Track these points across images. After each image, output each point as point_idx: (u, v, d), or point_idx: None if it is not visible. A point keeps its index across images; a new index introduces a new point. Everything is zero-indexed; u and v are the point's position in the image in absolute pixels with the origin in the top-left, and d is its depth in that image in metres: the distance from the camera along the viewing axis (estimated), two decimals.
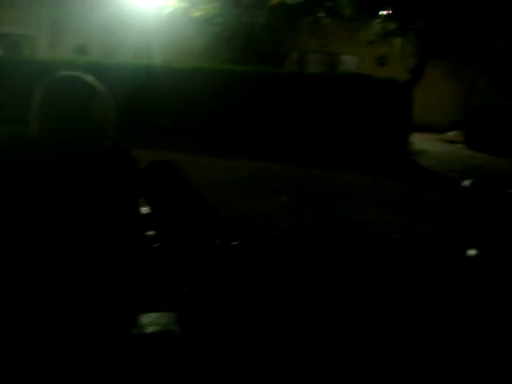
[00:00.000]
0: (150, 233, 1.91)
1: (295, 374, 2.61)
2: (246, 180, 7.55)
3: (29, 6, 19.60)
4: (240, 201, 6.08)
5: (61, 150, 1.73)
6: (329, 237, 5.11)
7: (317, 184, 7.69)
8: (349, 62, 19.71)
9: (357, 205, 6.54)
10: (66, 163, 1.73)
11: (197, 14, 14.87)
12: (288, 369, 2.61)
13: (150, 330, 2.05)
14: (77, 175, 1.74)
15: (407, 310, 3.32)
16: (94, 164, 1.78)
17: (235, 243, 2.01)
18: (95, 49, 17.41)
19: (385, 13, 13.25)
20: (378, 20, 13.57)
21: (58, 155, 1.73)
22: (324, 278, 3.90)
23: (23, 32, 20.04)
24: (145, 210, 1.91)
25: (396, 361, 2.83)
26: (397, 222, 5.71)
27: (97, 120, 1.75)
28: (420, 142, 12.21)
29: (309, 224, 5.48)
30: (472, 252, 3.40)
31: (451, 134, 16.44)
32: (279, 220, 5.52)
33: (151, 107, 11.58)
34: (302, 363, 2.72)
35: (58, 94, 1.74)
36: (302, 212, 6.01)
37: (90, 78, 1.80)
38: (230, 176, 7.56)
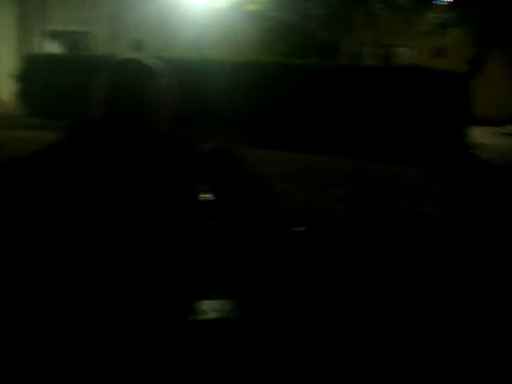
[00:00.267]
0: (211, 219, 1.91)
1: (355, 362, 2.59)
2: (300, 173, 7.53)
3: (88, 4, 20.05)
4: (294, 193, 6.07)
5: (122, 134, 1.72)
6: (386, 229, 5.04)
7: (372, 177, 7.60)
8: (405, 54, 19.39)
9: (414, 198, 6.43)
10: (129, 148, 1.73)
11: (251, 7, 14.89)
12: (347, 357, 2.59)
13: (209, 316, 2.06)
14: (139, 159, 1.74)
15: (476, 299, 3.25)
16: (157, 148, 1.77)
17: (301, 229, 1.99)
18: (151, 44, 17.65)
19: (443, 2, 12.96)
20: (436, 10, 13.29)
21: (119, 140, 1.72)
22: (386, 268, 3.85)
23: (82, 29, 20.51)
24: (206, 196, 1.91)
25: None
26: (456, 216, 5.59)
27: (160, 105, 1.73)
28: (478, 135, 11.90)
29: (365, 216, 5.42)
30: None
31: (511, 127, 15.99)
32: (335, 212, 5.47)
33: (205, 101, 11.66)
34: (363, 352, 2.70)
35: (118, 77, 1.72)
36: (357, 205, 5.95)
37: (152, 61, 1.79)
38: (284, 168, 7.55)
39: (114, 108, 1.70)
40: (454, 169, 8.73)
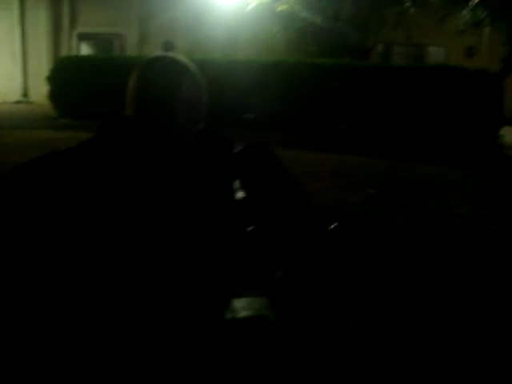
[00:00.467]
0: (243, 217, 1.90)
1: (389, 361, 2.55)
2: (332, 173, 7.49)
3: (118, 6, 20.24)
4: (326, 193, 6.04)
5: (154, 132, 1.72)
6: (418, 229, 4.98)
7: (404, 177, 7.52)
8: (435, 53, 19.19)
9: (445, 198, 6.35)
10: (161, 146, 1.73)
11: (280, 8, 14.88)
12: (381, 356, 2.55)
13: (243, 314, 2.05)
14: (172, 157, 1.74)
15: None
16: (189, 146, 1.77)
17: (332, 226, 1.97)
18: (180, 45, 17.74)
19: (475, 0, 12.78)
20: (468, 8, 13.11)
21: (151, 138, 1.72)
22: (417, 267, 3.81)
23: (113, 31, 20.71)
24: (239, 193, 1.90)
25: None
26: (489, 216, 5.50)
27: (190, 101, 1.73)
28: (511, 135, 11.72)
29: (397, 216, 5.37)
30: None
31: None
32: (366, 212, 5.44)
33: (236, 101, 11.67)
34: (396, 351, 2.66)
35: (150, 74, 1.73)
36: (389, 204, 5.89)
37: (183, 59, 1.79)
38: (316, 168, 7.52)
39: (145, 105, 1.70)
40: (487, 169, 8.60)
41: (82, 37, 21.20)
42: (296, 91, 11.71)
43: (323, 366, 1.91)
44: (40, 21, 21.14)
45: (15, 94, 21.04)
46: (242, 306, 2.06)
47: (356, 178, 7.29)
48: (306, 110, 11.72)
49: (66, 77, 14.06)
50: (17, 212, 1.65)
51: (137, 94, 1.73)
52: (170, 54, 1.80)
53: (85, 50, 21.16)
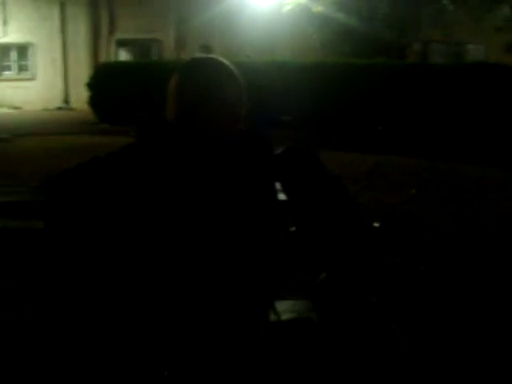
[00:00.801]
0: (287, 218, 1.90)
1: (434, 366, 2.51)
2: (371, 173, 7.43)
3: (155, 12, 20.47)
4: (365, 194, 5.99)
5: (195, 133, 1.72)
6: (461, 229, 4.90)
7: (445, 177, 7.41)
8: (475, 51, 18.87)
9: (489, 199, 6.23)
10: (202, 148, 1.73)
11: (316, 9, 14.85)
12: (424, 360, 2.52)
13: (287, 316, 2.05)
14: (214, 159, 1.74)
15: None
16: (230, 148, 1.76)
17: (376, 225, 1.95)
18: (217, 48, 17.83)
19: None
20: (507, 4, 12.87)
21: (192, 140, 1.72)
22: (466, 268, 3.75)
23: (150, 36, 20.96)
24: (281, 195, 1.90)
25: None
26: None
27: (230, 102, 1.71)
28: None
29: (439, 217, 5.29)
30: None
31: None
32: (405, 213, 5.37)
33: (273, 103, 11.66)
34: (441, 355, 2.62)
35: (190, 75, 1.72)
36: (430, 205, 5.81)
37: (223, 60, 1.78)
38: (354, 170, 7.48)
39: (185, 106, 1.70)
40: None
41: (120, 43, 21.51)
42: (333, 92, 11.65)
43: (366, 369, 1.89)
44: (80, 29, 21.53)
45: (56, 101, 21.46)
46: (285, 309, 2.06)
47: (396, 179, 7.22)
48: (343, 111, 11.65)
49: (105, 83, 14.29)
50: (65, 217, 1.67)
51: (177, 95, 1.72)
52: (211, 56, 1.80)
53: (123, 56, 21.47)
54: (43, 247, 1.88)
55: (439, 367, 2.60)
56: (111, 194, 1.69)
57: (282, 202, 1.90)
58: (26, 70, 22.33)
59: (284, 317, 2.00)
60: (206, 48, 18.29)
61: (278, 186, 1.89)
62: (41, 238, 1.95)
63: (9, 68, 22.42)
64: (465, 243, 4.53)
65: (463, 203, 5.97)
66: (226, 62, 1.78)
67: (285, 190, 1.89)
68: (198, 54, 1.86)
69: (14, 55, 22.28)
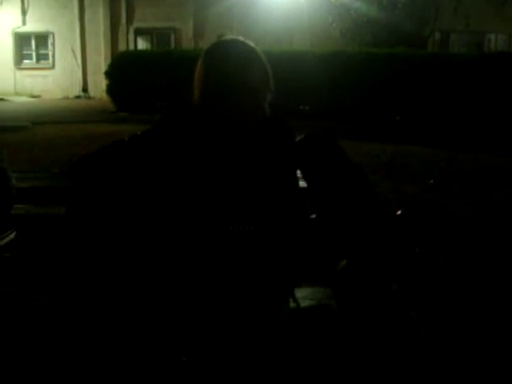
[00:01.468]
0: (307, 205, 1.89)
1: (451, 355, 2.51)
2: (390, 163, 7.38)
3: (173, 1, 20.47)
4: (384, 184, 5.96)
5: (219, 117, 1.70)
6: (481, 220, 4.86)
7: (464, 167, 7.35)
8: (496, 40, 18.63)
9: (509, 189, 6.17)
10: (225, 130, 1.71)
11: None
12: (442, 349, 2.51)
13: (306, 303, 2.06)
14: (237, 144, 1.73)
15: None
16: (253, 132, 1.75)
17: (398, 213, 1.94)
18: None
19: None
20: None
21: (215, 123, 1.71)
22: (486, 259, 3.73)
23: (168, 25, 20.96)
24: (301, 182, 1.89)
25: None
26: None
27: (254, 87, 1.69)
28: None
29: (458, 207, 5.25)
30: None
31: None
32: (426, 203, 5.35)
33: (292, 92, 11.62)
34: (460, 345, 2.61)
35: (215, 59, 1.69)
36: (449, 196, 5.77)
37: (250, 44, 1.73)
38: (373, 159, 7.44)
39: (210, 90, 1.68)
40: None
41: (139, 32, 21.54)
42: (352, 82, 11.58)
43: (385, 357, 1.89)
44: (98, 18, 21.60)
45: (75, 90, 21.58)
46: (305, 296, 2.06)
47: (415, 169, 7.18)
48: (362, 100, 11.59)
49: (124, 71, 14.33)
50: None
51: (201, 79, 1.70)
52: (238, 37, 1.76)
53: (141, 44, 21.51)
54: (64, 232, 1.89)
55: (457, 356, 2.59)
56: (134, 177, 1.70)
57: (303, 189, 1.89)
58: (45, 58, 22.47)
59: (303, 304, 2.01)
60: (223, 37, 18.21)
61: (298, 173, 1.88)
62: (61, 224, 1.96)
63: (28, 57, 22.56)
64: (483, 234, 4.49)
65: (482, 193, 5.92)
66: (249, 44, 1.74)
67: (305, 177, 1.88)
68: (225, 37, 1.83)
69: (33, 44, 22.41)
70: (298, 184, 1.84)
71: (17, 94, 21.10)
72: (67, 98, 20.90)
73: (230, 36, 1.79)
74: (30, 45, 22.45)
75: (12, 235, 2.61)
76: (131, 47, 20.91)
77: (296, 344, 1.83)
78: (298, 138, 1.89)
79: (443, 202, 5.42)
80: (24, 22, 22.00)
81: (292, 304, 1.92)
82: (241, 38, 1.75)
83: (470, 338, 2.75)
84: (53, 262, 2.73)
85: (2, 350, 1.98)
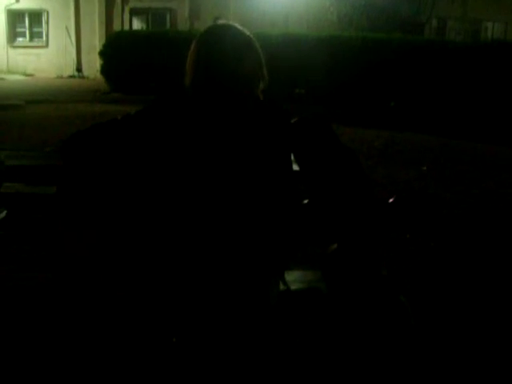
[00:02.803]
0: (300, 189, 1.89)
1: (440, 341, 2.53)
2: (383, 149, 7.40)
3: None
4: (377, 170, 5.98)
5: (209, 100, 1.71)
6: (471, 207, 4.88)
7: (457, 155, 7.37)
8: (493, 28, 18.59)
9: (500, 178, 6.19)
10: (216, 113, 1.72)
11: None
12: (430, 334, 2.53)
13: (296, 286, 2.06)
14: (229, 124, 1.73)
15: None
16: (247, 114, 1.75)
17: (391, 200, 1.94)
18: (231, 20, 17.65)
19: None
20: None
21: (207, 106, 1.71)
22: (476, 246, 3.75)
23: (164, 5, 20.79)
24: (294, 165, 1.89)
25: None
26: None
27: (246, 72, 1.71)
28: None
29: (450, 194, 5.28)
30: None
31: None
32: (419, 190, 5.37)
33: (287, 76, 11.57)
34: (446, 329, 2.63)
35: (207, 44, 1.71)
36: (442, 183, 5.79)
37: (243, 30, 1.75)
38: (366, 145, 7.45)
39: (202, 73, 1.68)
40: None
41: (134, 12, 21.35)
42: (347, 66, 11.54)
43: (374, 340, 1.91)
44: None
45: (69, 69, 21.40)
46: (294, 279, 2.06)
47: (408, 155, 7.19)
48: (356, 85, 11.56)
49: (118, 51, 14.23)
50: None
51: (193, 63, 1.71)
52: (231, 23, 1.77)
53: (136, 24, 21.33)
54: (54, 211, 1.89)
55: (445, 341, 2.61)
56: (126, 156, 1.70)
57: (296, 172, 1.89)
58: (39, 37, 22.24)
59: (293, 287, 2.01)
60: (220, 19, 18.13)
61: (291, 156, 1.88)
62: (52, 202, 1.96)
63: (21, 35, 22.33)
64: (474, 221, 4.52)
65: (474, 181, 5.94)
66: (244, 31, 1.75)
67: (298, 160, 1.88)
68: (220, 22, 1.83)
69: (26, 22, 22.18)
70: (290, 166, 1.84)
71: (10, 72, 20.91)
72: (61, 77, 20.74)
73: (224, 21, 1.79)
74: (23, 22, 22.20)
75: (3, 214, 2.60)
76: (126, 27, 20.73)
77: (285, 327, 1.84)
78: (291, 121, 1.89)
79: (435, 189, 5.44)
80: None
81: (282, 287, 1.92)
82: (235, 24, 1.76)
83: (459, 323, 2.77)
84: (44, 241, 2.73)
85: None
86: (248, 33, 1.76)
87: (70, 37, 21.57)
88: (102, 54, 14.91)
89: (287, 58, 11.51)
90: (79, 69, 21.50)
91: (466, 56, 11.19)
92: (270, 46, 11.29)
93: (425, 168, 6.42)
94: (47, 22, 21.90)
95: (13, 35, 22.15)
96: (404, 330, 1.91)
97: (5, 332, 1.98)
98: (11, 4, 21.70)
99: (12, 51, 21.86)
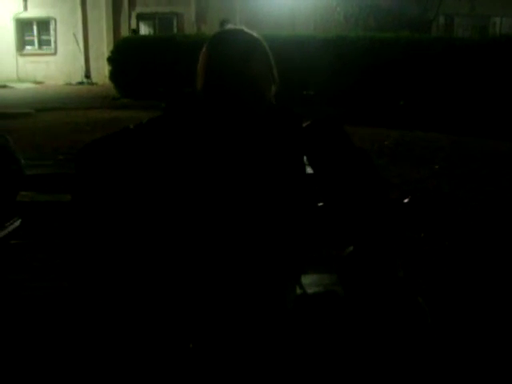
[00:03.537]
0: (314, 192, 1.89)
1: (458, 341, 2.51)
2: (394, 148, 7.37)
3: None
4: (389, 169, 5.96)
5: (221, 106, 1.71)
6: (483, 205, 4.85)
7: (469, 153, 7.33)
8: (501, 23, 18.48)
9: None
10: (228, 119, 1.72)
11: None
12: (449, 335, 2.51)
13: (313, 290, 2.05)
14: (241, 130, 1.72)
15: None
16: (259, 120, 1.75)
17: (406, 200, 1.93)
18: (239, 22, 17.71)
19: None
20: None
21: (218, 111, 1.71)
22: (492, 246, 3.72)
23: (171, 10, 20.85)
24: (307, 168, 1.88)
25: None
26: None
27: (256, 76, 1.70)
28: None
29: (463, 192, 5.25)
30: None
31: None
32: (433, 189, 5.35)
33: (295, 77, 11.56)
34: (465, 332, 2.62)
35: (217, 49, 1.70)
36: (454, 181, 5.76)
37: (253, 34, 1.75)
38: (377, 144, 7.42)
39: (213, 78, 1.68)
40: None
41: (141, 17, 21.42)
42: (356, 67, 11.51)
43: (392, 343, 1.89)
44: (100, 3, 21.47)
45: (77, 76, 21.51)
46: (311, 282, 2.06)
47: (419, 154, 7.16)
48: (365, 85, 11.53)
49: (126, 57, 14.27)
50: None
51: (203, 68, 1.71)
52: (240, 27, 1.77)
53: (144, 29, 21.40)
54: (69, 220, 1.89)
55: (463, 341, 2.60)
56: (140, 165, 1.70)
57: (310, 175, 1.88)
58: (47, 44, 22.38)
59: (310, 290, 2.00)
60: (226, 22, 18.14)
61: (305, 159, 1.87)
62: (67, 211, 1.96)
63: (30, 43, 22.47)
64: (488, 218, 4.49)
65: (487, 179, 5.90)
66: (255, 35, 1.75)
67: (312, 163, 1.87)
68: (229, 26, 1.83)
69: (34, 30, 22.32)
70: (304, 170, 1.83)
71: (19, 80, 21.04)
72: (70, 84, 20.84)
73: (232, 26, 1.79)
74: (31, 31, 22.35)
75: (17, 223, 2.60)
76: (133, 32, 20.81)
77: (304, 331, 1.83)
78: (304, 124, 1.88)
79: (448, 187, 5.41)
80: (25, 8, 21.89)
81: (298, 291, 1.91)
82: (244, 28, 1.76)
83: (475, 323, 2.75)
84: (58, 250, 2.73)
85: (9, 337, 1.99)
86: (257, 35, 1.76)
87: (78, 43, 21.68)
88: (110, 59, 14.96)
89: (295, 59, 11.50)
90: (88, 75, 21.61)
91: (475, 52, 11.13)
92: (278, 47, 11.21)
93: (437, 166, 6.39)
94: (55, 30, 22.03)
95: (22, 43, 22.31)
96: (422, 332, 1.90)
97: (21, 341, 1.98)
98: (19, 13, 21.85)
99: (21, 59, 22.01)
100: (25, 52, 22.28)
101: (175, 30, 20.72)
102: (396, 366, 1.87)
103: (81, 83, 21.05)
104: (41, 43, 22.44)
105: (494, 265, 3.51)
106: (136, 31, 17.27)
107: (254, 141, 1.74)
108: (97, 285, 1.75)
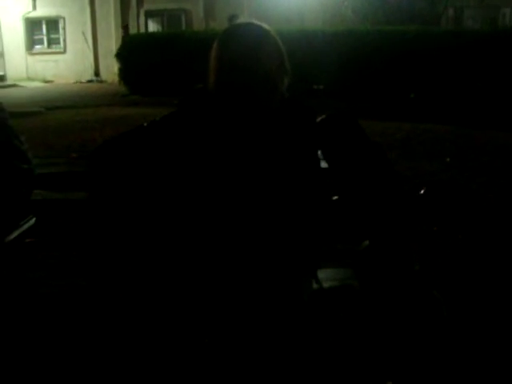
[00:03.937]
0: (329, 186, 1.88)
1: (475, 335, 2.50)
2: (405, 141, 7.35)
3: None
4: (401, 162, 5.93)
5: (233, 100, 1.69)
6: (497, 198, 4.83)
7: (480, 145, 7.29)
8: (511, 14, 18.35)
9: None
10: (241, 114, 1.71)
11: None
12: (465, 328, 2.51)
13: (329, 284, 2.05)
14: (255, 125, 1.72)
15: None
16: (272, 115, 1.74)
17: (421, 192, 1.92)
18: (248, 18, 17.63)
19: None
20: None
21: (231, 106, 1.70)
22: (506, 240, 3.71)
23: (179, 6, 20.85)
24: (322, 163, 1.88)
25: None
26: None
27: (267, 70, 1.68)
28: None
29: (475, 185, 5.23)
30: None
31: None
32: (447, 181, 5.33)
33: (305, 71, 11.54)
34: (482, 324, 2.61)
35: (228, 43, 1.70)
36: (467, 173, 5.73)
37: (264, 27, 1.73)
38: (388, 138, 7.39)
39: (225, 73, 1.68)
40: None
41: (149, 14, 21.44)
42: (365, 60, 11.49)
43: (408, 336, 1.89)
44: (108, 1, 21.49)
45: (87, 74, 21.58)
46: (327, 277, 2.05)
47: (430, 147, 7.13)
48: (375, 78, 11.50)
49: (135, 54, 14.30)
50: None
51: (216, 62, 1.71)
52: (251, 21, 1.76)
53: (152, 27, 21.42)
54: (84, 217, 1.90)
55: (478, 334, 2.59)
56: (155, 163, 1.70)
57: (324, 169, 1.88)
58: (57, 43, 22.46)
59: (326, 285, 2.00)
60: (235, 18, 18.06)
61: (319, 153, 1.87)
62: (81, 209, 1.97)
63: (39, 42, 22.56)
64: (501, 211, 4.47)
65: (499, 171, 5.87)
66: (266, 28, 1.74)
67: (326, 158, 1.87)
68: (239, 21, 1.82)
69: (44, 29, 22.40)
70: (319, 165, 1.83)
71: (29, 79, 21.14)
72: (79, 82, 20.91)
73: (240, 20, 1.78)
74: (40, 30, 22.44)
75: (32, 221, 2.62)
76: (142, 30, 20.83)
77: (320, 325, 1.83)
78: (318, 119, 1.88)
79: (460, 180, 5.39)
80: (34, 7, 21.97)
81: (315, 285, 1.91)
82: (255, 21, 1.75)
83: (490, 316, 2.74)
84: (73, 248, 2.75)
85: (27, 334, 2.01)
86: (267, 27, 1.74)
87: (86, 42, 21.74)
88: (118, 57, 14.99)
89: (304, 54, 11.46)
90: (97, 73, 21.67)
91: (485, 44, 11.07)
92: (287, 42, 11.06)
93: (448, 159, 6.36)
94: (64, 28, 22.10)
95: (31, 43, 22.41)
96: (439, 326, 1.90)
97: (39, 338, 2.00)
98: (28, 12, 21.94)
99: (31, 58, 22.11)
100: (34, 51, 22.37)
101: (184, 26, 20.72)
102: (412, 359, 1.87)
103: (90, 81, 21.12)
104: (50, 42, 22.52)
105: (509, 258, 3.49)
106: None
107: (268, 135, 1.74)
108: (114, 282, 1.76)
